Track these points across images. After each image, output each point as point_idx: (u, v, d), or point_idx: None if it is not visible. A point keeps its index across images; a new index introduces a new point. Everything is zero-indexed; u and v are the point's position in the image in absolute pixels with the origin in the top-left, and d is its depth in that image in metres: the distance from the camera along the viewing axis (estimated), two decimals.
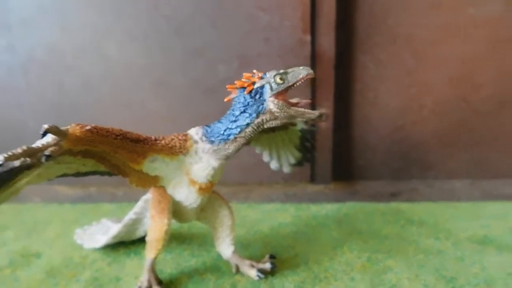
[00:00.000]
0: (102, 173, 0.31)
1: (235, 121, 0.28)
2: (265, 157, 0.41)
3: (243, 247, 0.40)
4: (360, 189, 0.54)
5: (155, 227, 0.32)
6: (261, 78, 0.28)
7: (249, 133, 0.28)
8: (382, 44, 0.52)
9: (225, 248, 0.36)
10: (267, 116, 0.28)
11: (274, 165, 0.41)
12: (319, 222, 0.46)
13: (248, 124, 0.28)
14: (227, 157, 0.30)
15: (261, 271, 0.35)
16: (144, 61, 0.52)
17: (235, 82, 0.28)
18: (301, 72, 0.27)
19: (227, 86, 0.29)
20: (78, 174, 0.30)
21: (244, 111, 0.28)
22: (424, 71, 0.53)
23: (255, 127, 0.28)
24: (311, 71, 0.28)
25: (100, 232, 0.41)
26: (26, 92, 0.54)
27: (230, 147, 0.29)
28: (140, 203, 0.37)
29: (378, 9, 0.51)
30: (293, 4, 0.49)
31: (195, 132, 0.30)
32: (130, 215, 0.38)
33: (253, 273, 0.34)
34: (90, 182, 0.56)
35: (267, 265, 0.35)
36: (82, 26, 0.52)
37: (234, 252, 0.36)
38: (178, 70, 0.52)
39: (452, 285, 0.34)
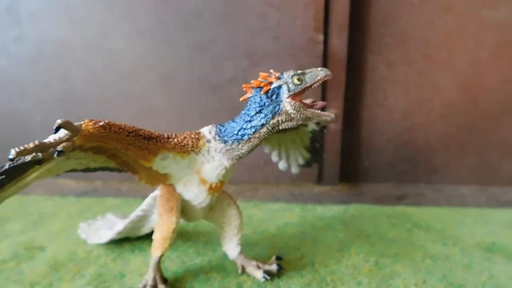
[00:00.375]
0: (111, 169, 0.30)
1: (250, 121, 0.28)
2: (274, 157, 0.40)
3: (249, 246, 0.40)
4: (366, 191, 0.54)
5: (163, 225, 0.32)
6: (278, 78, 0.27)
7: (263, 133, 0.28)
8: (393, 46, 0.52)
9: (232, 248, 0.35)
10: (283, 117, 0.27)
11: (282, 165, 0.40)
12: (325, 223, 0.46)
13: (263, 125, 0.27)
14: (240, 157, 0.29)
15: (267, 272, 0.34)
16: (151, 56, 0.52)
17: (251, 81, 0.28)
18: (319, 74, 0.27)
19: (243, 86, 0.28)
20: (87, 170, 0.29)
21: (259, 112, 0.27)
22: (433, 74, 0.52)
23: (270, 128, 0.28)
24: (329, 72, 0.27)
25: (105, 227, 0.41)
26: (33, 84, 0.54)
27: (244, 148, 0.28)
28: (147, 200, 0.36)
29: (390, 10, 0.51)
30: (305, 3, 0.48)
31: (208, 131, 0.30)
32: (137, 211, 0.37)
33: (259, 275, 0.34)
34: (95, 176, 0.56)
35: (274, 267, 0.35)
36: (90, 20, 0.51)
37: (241, 252, 0.35)
38: (185, 67, 0.52)
39: None
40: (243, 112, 0.29)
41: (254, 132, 0.28)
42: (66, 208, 0.50)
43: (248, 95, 0.28)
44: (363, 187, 0.55)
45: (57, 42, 0.52)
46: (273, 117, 0.27)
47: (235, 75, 0.51)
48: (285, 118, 0.27)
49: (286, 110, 0.27)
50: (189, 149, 0.29)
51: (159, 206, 0.32)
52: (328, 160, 0.54)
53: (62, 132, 0.24)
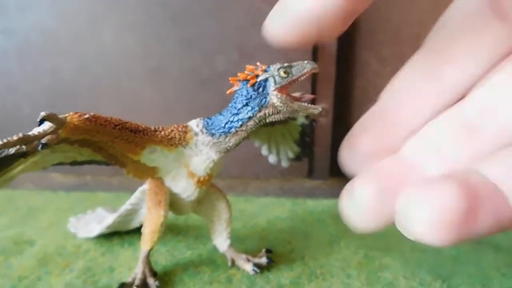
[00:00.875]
0: (98, 163, 0.30)
1: (237, 114, 0.28)
2: (264, 151, 0.40)
3: (239, 240, 0.40)
4: None
5: (151, 219, 0.32)
6: (265, 71, 0.27)
7: (250, 126, 0.28)
8: (386, 41, 0.52)
9: (222, 242, 0.35)
10: (270, 110, 0.27)
11: (272, 159, 0.40)
12: (315, 217, 0.46)
13: (250, 118, 0.27)
14: (227, 150, 0.29)
15: (257, 265, 0.34)
16: (139, 49, 0.51)
17: (238, 74, 0.28)
18: (306, 66, 0.27)
19: (230, 79, 0.28)
20: (74, 163, 0.29)
21: (246, 104, 0.27)
22: None
23: (257, 121, 0.28)
24: (315, 66, 0.27)
25: (95, 221, 0.41)
26: (20, 76, 0.53)
27: (231, 140, 0.28)
28: (136, 194, 0.36)
29: (383, 5, 0.51)
30: None
31: (195, 124, 0.29)
32: (126, 205, 0.37)
33: (249, 268, 0.34)
34: (86, 171, 0.55)
35: (263, 260, 0.35)
36: (78, 12, 0.50)
37: (230, 245, 0.35)
38: (174, 60, 0.52)
39: (448, 284, 0.33)
40: (230, 105, 0.28)
41: (241, 125, 0.28)
42: (55, 202, 0.49)
43: (235, 88, 0.28)
44: None
45: (44, 34, 0.51)
46: (260, 110, 0.27)
47: (225, 69, 0.51)
48: (272, 111, 0.27)
49: (272, 103, 0.27)
50: (177, 142, 0.29)
51: (148, 200, 0.32)
52: (318, 155, 0.54)
53: (47, 125, 0.23)
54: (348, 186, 0.20)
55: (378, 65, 0.52)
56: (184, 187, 0.31)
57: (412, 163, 0.19)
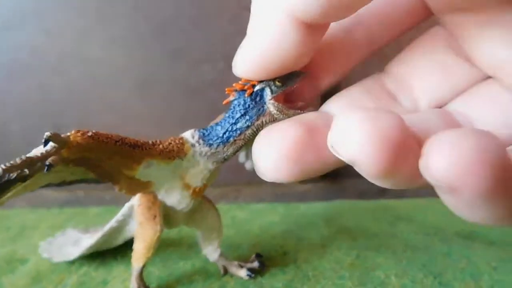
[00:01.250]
0: (88, 181, 0.30)
1: (235, 123, 0.28)
2: (241, 158, 0.41)
3: (232, 247, 0.40)
4: (349, 187, 0.54)
5: (144, 234, 0.31)
6: (260, 81, 0.28)
7: (248, 135, 0.28)
8: None
9: (212, 251, 0.35)
10: (267, 118, 0.28)
11: (249, 165, 0.41)
12: (308, 220, 0.46)
13: (248, 127, 0.28)
14: (225, 160, 0.30)
15: (250, 270, 0.34)
16: (127, 62, 0.52)
17: (234, 84, 0.28)
18: (300, 75, 0.28)
19: (226, 89, 0.28)
20: (62, 183, 0.29)
21: (244, 114, 0.28)
22: None
23: (255, 129, 0.28)
24: (308, 72, 0.28)
25: (69, 243, 0.40)
26: (9, 94, 0.53)
27: (229, 150, 0.29)
28: (123, 211, 0.36)
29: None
30: None
31: (190, 136, 0.29)
32: (112, 223, 0.37)
33: (243, 273, 0.34)
34: (78, 186, 0.55)
35: (255, 264, 0.35)
36: (64, 28, 0.51)
37: (221, 254, 0.35)
38: (162, 72, 0.52)
39: (439, 280, 0.34)
40: (226, 115, 0.29)
41: (239, 134, 0.28)
42: (48, 219, 0.49)
43: (231, 98, 0.28)
44: (345, 183, 0.55)
45: (32, 51, 0.52)
46: (257, 119, 0.28)
47: (211, 78, 0.52)
48: (269, 119, 0.28)
49: (270, 111, 0.27)
50: (174, 155, 0.29)
51: (139, 215, 0.32)
52: None
53: (49, 145, 0.23)
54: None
55: (361, 66, 0.53)
56: (178, 199, 0.31)
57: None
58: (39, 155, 0.23)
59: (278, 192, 0.54)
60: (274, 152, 0.21)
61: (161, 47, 0.51)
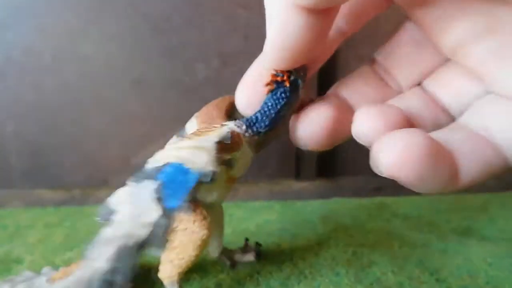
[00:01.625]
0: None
1: (279, 111, 0.29)
2: None
3: (229, 245, 0.40)
4: (344, 184, 0.54)
5: (189, 239, 0.28)
6: (290, 73, 0.28)
7: (287, 120, 0.30)
8: (365, 41, 0.52)
9: (216, 247, 0.35)
10: (298, 105, 0.29)
11: None
12: (304, 218, 0.46)
13: (288, 113, 0.29)
14: (265, 146, 0.31)
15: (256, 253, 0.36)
16: (122, 61, 0.52)
17: (270, 77, 0.29)
18: (308, 68, 0.29)
19: (264, 84, 0.28)
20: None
21: (287, 102, 0.29)
22: None
23: (291, 114, 0.30)
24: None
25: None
26: (3, 93, 0.53)
27: (272, 136, 0.30)
28: None
29: None
30: None
31: (236, 127, 0.29)
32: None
33: (251, 257, 0.36)
34: (74, 185, 0.55)
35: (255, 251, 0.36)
36: (58, 26, 0.50)
37: (222, 250, 0.36)
38: (157, 70, 0.52)
39: (436, 276, 0.34)
40: (269, 103, 0.29)
41: (283, 120, 0.29)
42: (43, 218, 0.49)
43: (270, 88, 0.29)
44: (341, 180, 0.55)
45: (26, 50, 0.51)
46: (294, 105, 0.29)
47: (206, 76, 0.51)
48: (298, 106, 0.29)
49: (302, 97, 0.29)
50: (239, 148, 0.28)
51: (185, 221, 0.28)
52: (305, 156, 0.54)
53: None
54: None
55: (356, 64, 0.53)
56: (219, 193, 0.31)
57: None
58: None
59: (275, 190, 0.54)
60: (315, 124, 0.27)
61: (156, 45, 0.51)
